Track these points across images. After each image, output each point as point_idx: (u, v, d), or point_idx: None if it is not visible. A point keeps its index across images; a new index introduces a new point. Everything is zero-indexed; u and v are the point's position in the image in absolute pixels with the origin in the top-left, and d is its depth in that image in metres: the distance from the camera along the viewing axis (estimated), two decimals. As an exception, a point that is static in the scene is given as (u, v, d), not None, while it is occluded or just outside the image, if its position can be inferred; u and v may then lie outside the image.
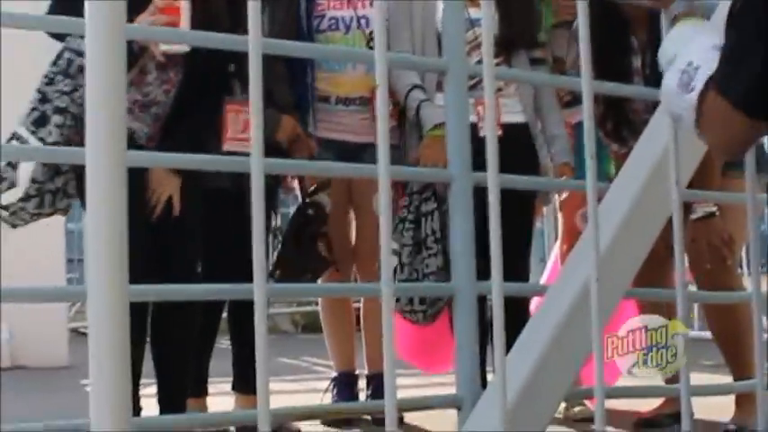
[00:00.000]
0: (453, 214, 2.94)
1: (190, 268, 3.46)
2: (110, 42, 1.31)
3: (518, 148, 3.74)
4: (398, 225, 3.45)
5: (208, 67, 3.27)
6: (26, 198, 3.07)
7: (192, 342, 3.52)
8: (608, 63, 3.55)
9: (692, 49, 1.99)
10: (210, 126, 3.46)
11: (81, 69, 2.95)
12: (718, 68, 1.89)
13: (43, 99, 3.10)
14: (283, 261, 3.73)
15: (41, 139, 3.04)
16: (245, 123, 3.41)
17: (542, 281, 4.73)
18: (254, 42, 1.50)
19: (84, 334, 7.85)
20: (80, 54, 3.01)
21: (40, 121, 3.07)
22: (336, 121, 3.97)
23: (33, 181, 3.06)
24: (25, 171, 3.03)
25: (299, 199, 3.94)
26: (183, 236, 3.39)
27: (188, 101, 3.36)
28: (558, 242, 4.80)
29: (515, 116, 3.91)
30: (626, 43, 3.80)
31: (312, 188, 3.82)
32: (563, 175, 3.91)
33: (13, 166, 3.06)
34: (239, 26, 3.07)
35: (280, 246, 3.76)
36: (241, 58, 3.35)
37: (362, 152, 3.87)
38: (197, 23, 3.09)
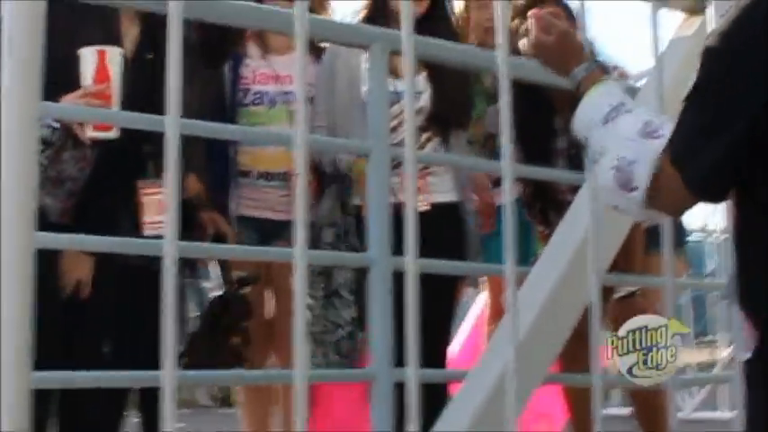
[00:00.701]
0: (372, 299, 2.91)
1: (95, 350, 3.38)
2: (22, 121, 1.29)
3: (445, 228, 3.74)
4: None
5: (124, 146, 3.23)
6: None
7: (99, 421, 3.41)
8: (532, 144, 3.59)
9: (618, 141, 1.99)
10: (124, 206, 3.41)
11: None
12: (678, 138, 1.90)
13: None
14: (194, 349, 3.63)
15: None
16: (160, 205, 3.38)
17: (455, 351, 4.70)
18: (172, 123, 1.47)
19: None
20: None
21: None
22: (257, 198, 3.93)
23: None
24: None
25: (218, 275, 3.89)
26: (90, 316, 3.31)
27: (103, 179, 3.31)
28: (475, 318, 4.80)
29: (445, 195, 3.90)
30: (550, 124, 3.84)
31: (238, 279, 3.76)
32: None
33: None
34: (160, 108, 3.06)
35: (192, 331, 3.68)
36: (157, 138, 3.33)
37: (283, 230, 3.84)
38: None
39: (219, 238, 3.71)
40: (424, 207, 3.61)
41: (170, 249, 1.43)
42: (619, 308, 3.64)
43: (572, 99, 2.38)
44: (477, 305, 4.95)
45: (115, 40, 3.24)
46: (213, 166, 3.84)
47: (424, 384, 1.85)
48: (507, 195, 2.06)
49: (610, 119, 2.04)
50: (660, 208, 1.99)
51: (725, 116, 1.85)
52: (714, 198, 1.96)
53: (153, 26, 3.35)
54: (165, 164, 1.44)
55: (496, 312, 4.31)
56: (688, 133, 1.90)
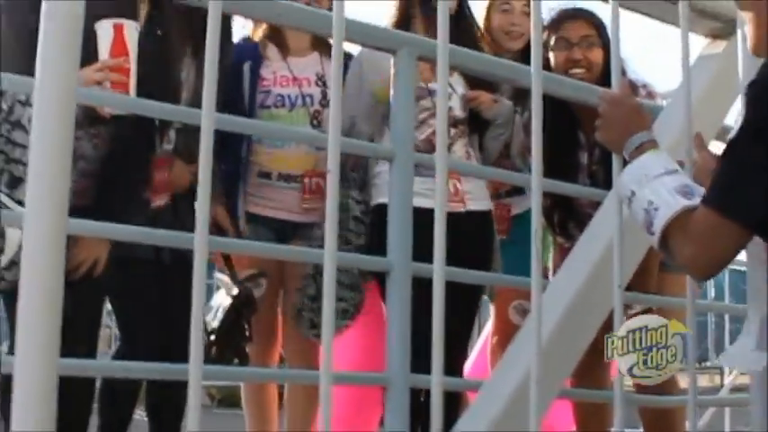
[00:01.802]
0: (390, 305, 2.90)
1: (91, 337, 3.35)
2: (59, 106, 1.28)
3: (478, 237, 3.73)
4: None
5: (137, 122, 3.18)
6: (9, 267, 2.82)
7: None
8: (556, 158, 3.58)
9: (654, 189, 2.10)
10: (141, 183, 3.41)
11: None
12: (719, 184, 2.00)
13: (7, 159, 2.94)
14: (219, 342, 3.59)
15: (20, 202, 2.82)
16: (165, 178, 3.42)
17: (467, 365, 4.70)
18: (207, 116, 1.47)
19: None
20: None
21: (12, 183, 2.91)
22: (274, 198, 3.92)
23: (21, 247, 2.82)
24: (13, 237, 2.79)
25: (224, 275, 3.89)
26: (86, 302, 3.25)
27: (120, 157, 3.28)
28: (487, 333, 4.78)
29: (480, 203, 3.88)
30: (574, 139, 3.83)
31: (248, 274, 3.75)
32: None
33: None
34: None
35: (216, 325, 3.62)
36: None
37: (298, 231, 3.85)
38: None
39: (220, 231, 3.70)
40: (458, 208, 3.64)
41: (201, 242, 1.43)
42: (634, 323, 3.63)
43: (596, 113, 2.42)
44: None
45: (130, 15, 3.19)
46: (223, 164, 3.81)
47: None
48: (535, 206, 2.06)
49: (660, 176, 2.14)
50: (702, 252, 2.02)
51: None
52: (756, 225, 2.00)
53: (161, 2, 3.34)
54: (200, 156, 1.44)
55: (503, 325, 4.27)
56: (731, 176, 1.99)
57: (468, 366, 4.58)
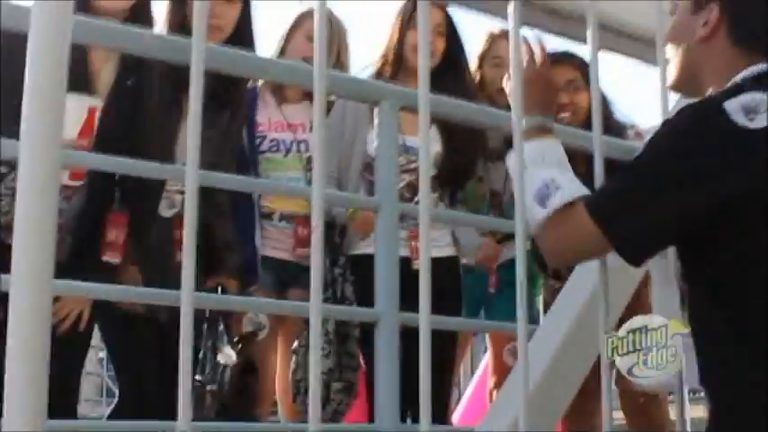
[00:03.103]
0: (378, 354, 2.89)
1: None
2: (43, 165, 1.28)
3: (443, 283, 3.73)
4: None
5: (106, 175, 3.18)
6: None
7: None
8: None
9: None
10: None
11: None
12: (602, 203, 2.03)
13: None
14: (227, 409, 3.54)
15: None
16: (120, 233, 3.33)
17: (457, 413, 4.70)
18: (192, 174, 1.47)
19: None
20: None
21: None
22: (275, 238, 3.97)
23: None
24: None
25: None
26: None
27: (95, 208, 3.28)
28: (477, 376, 4.79)
29: (442, 250, 3.90)
30: None
31: (243, 333, 3.74)
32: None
33: None
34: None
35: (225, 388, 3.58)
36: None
37: (298, 277, 3.84)
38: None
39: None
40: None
41: (187, 299, 1.42)
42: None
43: (584, 156, 2.44)
44: (483, 363, 4.96)
45: (85, 78, 3.18)
46: (239, 209, 3.82)
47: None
48: (520, 251, 2.07)
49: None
50: (565, 246, 2.12)
51: (661, 190, 1.97)
52: (631, 254, 2.04)
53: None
54: (186, 215, 1.44)
55: (499, 368, 4.30)
56: (623, 196, 2.03)
57: (462, 406, 4.60)
